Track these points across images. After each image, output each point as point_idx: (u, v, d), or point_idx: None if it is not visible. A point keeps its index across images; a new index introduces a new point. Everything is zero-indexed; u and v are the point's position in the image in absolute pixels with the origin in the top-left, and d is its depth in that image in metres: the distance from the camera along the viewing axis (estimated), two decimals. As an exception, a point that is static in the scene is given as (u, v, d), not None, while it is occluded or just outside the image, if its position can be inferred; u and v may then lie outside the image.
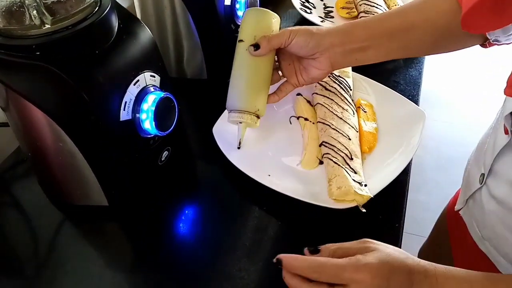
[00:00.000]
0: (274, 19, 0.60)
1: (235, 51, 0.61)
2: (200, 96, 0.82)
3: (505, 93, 0.39)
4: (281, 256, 0.42)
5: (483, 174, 0.56)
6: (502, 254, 0.54)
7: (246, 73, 0.59)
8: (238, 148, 0.65)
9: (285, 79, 0.63)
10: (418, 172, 1.91)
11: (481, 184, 0.57)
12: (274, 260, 0.42)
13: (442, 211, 0.78)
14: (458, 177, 0.73)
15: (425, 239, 0.86)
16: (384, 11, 0.91)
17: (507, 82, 0.39)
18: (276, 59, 0.62)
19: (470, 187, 0.61)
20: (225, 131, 0.67)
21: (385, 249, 0.42)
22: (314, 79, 0.61)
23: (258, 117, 0.61)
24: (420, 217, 1.73)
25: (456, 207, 0.66)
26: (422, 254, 0.87)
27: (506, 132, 0.50)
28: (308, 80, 0.61)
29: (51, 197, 0.63)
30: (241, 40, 0.59)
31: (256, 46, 0.57)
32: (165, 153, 0.62)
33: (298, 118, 0.71)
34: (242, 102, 0.59)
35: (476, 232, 0.59)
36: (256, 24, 0.59)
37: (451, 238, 0.70)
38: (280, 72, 0.62)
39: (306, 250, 0.44)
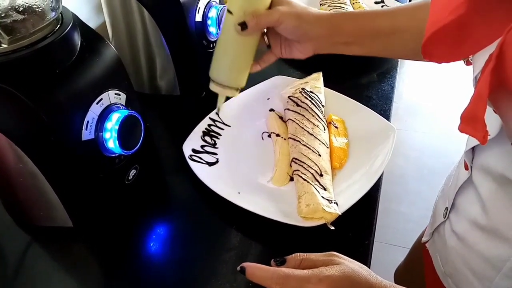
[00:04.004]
0: None
1: (224, 18, 0.57)
2: (172, 112, 0.82)
3: (458, 129, 0.39)
4: (245, 264, 0.42)
5: (446, 208, 0.56)
6: None
7: (232, 49, 0.57)
8: (217, 113, 0.72)
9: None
10: (400, 183, 1.92)
11: (445, 218, 0.57)
12: (238, 268, 0.42)
13: (418, 236, 0.78)
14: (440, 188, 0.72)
15: (407, 250, 0.85)
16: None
17: (460, 118, 0.38)
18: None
19: (436, 219, 0.61)
20: (195, 147, 0.67)
21: (350, 264, 0.42)
22: (295, 58, 0.60)
23: (238, 89, 0.60)
24: (402, 228, 1.73)
25: (423, 239, 0.66)
26: (397, 276, 0.87)
27: (466, 167, 0.50)
28: (289, 56, 0.61)
29: (15, 218, 0.61)
30: (229, 11, 0.55)
31: (243, 25, 0.53)
32: (133, 172, 0.60)
33: (269, 135, 0.71)
34: (226, 77, 0.58)
35: (440, 267, 0.59)
36: None
37: (425, 265, 0.69)
38: (266, 38, 0.60)
39: (272, 261, 0.44)
